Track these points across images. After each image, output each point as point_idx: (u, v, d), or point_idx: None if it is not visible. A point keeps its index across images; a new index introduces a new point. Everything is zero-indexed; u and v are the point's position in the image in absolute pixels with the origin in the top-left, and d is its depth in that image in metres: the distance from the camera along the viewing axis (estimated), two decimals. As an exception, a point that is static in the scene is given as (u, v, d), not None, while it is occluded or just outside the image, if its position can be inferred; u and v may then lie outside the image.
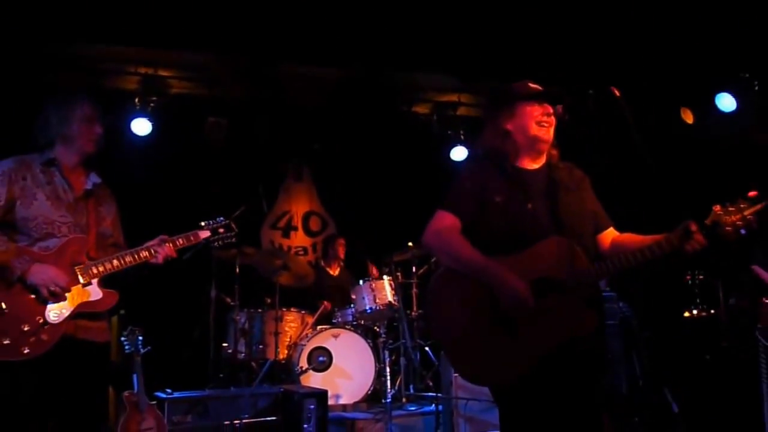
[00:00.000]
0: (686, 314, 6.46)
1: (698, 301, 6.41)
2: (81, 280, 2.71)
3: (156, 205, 5.93)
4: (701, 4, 4.89)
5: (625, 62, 5.31)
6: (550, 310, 2.32)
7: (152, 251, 2.87)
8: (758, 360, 3.19)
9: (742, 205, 2.24)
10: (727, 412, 4.96)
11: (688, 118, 6.31)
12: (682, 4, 4.89)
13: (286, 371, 5.58)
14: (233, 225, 3.17)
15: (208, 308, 5.52)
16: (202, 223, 3.09)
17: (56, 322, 2.62)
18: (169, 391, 4.49)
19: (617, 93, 2.15)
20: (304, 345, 5.43)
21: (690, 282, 6.28)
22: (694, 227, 2.25)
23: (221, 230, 3.12)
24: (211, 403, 4.50)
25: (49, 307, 2.63)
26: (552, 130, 2.52)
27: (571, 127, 2.36)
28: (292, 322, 5.75)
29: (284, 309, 5.71)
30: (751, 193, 2.25)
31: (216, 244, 3.13)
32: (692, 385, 5.32)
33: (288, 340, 5.68)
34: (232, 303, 5.65)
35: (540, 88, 2.55)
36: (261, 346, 5.62)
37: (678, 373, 5.21)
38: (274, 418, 4.38)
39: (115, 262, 2.79)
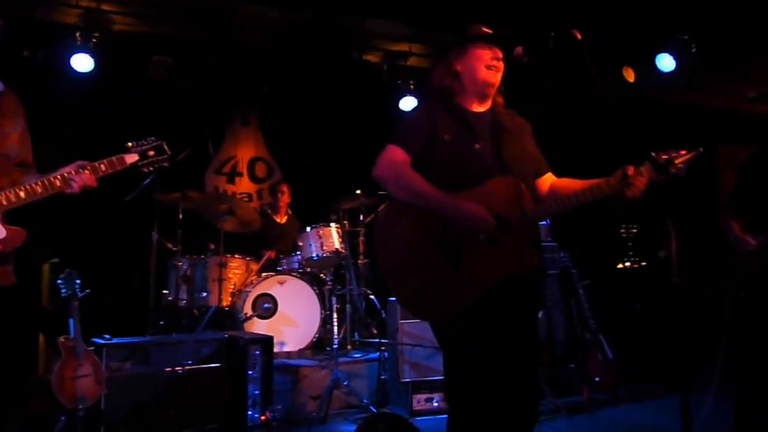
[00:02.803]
0: (620, 265, 6.73)
1: (631, 253, 6.67)
2: None
3: (98, 144, 5.67)
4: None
5: (570, 17, 5.33)
6: (495, 246, 2.38)
7: (67, 180, 2.47)
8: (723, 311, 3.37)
9: (673, 154, 2.34)
10: (657, 358, 5.24)
11: (630, 76, 6.44)
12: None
13: (230, 319, 5.52)
14: (165, 146, 2.75)
15: (149, 254, 5.37)
16: (130, 144, 2.68)
17: None
18: (107, 336, 4.37)
19: (578, 36, 2.15)
20: (249, 292, 5.37)
21: (625, 235, 6.52)
22: (632, 171, 2.33)
23: (151, 153, 2.71)
24: (152, 349, 4.40)
25: None
26: (500, 75, 2.56)
27: (531, 69, 2.37)
28: (236, 269, 5.65)
29: (228, 255, 5.59)
30: (682, 151, 2.35)
31: (146, 169, 2.72)
32: (625, 332, 5.58)
33: (232, 287, 5.58)
34: (174, 248, 5.50)
35: (490, 31, 2.57)
36: (204, 294, 5.51)
37: (612, 320, 5.43)
38: (218, 364, 4.32)
39: (22, 193, 2.39)
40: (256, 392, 4.24)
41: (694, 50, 5.93)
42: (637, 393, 5.09)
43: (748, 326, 3.33)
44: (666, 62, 6.12)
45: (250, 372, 4.23)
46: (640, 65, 6.29)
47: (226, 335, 4.53)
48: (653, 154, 2.34)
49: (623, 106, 6.23)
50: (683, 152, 2.34)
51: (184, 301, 5.47)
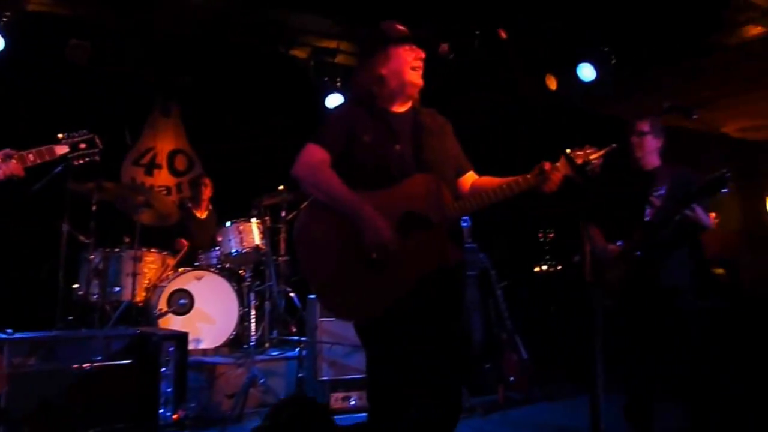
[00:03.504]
0: (536, 269, 6.94)
1: (548, 257, 6.89)
2: None
3: (8, 129, 5.37)
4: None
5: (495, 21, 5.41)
6: (415, 244, 2.40)
7: None
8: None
9: (588, 150, 2.43)
10: (569, 357, 5.41)
11: (552, 84, 6.61)
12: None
13: (144, 315, 5.33)
14: (97, 140, 2.80)
15: (59, 245, 5.11)
16: (60, 136, 2.70)
17: None
18: (9, 331, 4.14)
19: (503, 35, 2.19)
20: (165, 287, 5.20)
21: (542, 239, 6.72)
22: (548, 166, 2.41)
23: (82, 145, 2.74)
24: (58, 344, 4.19)
25: None
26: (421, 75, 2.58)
27: (456, 66, 2.42)
28: (152, 263, 5.46)
29: (144, 249, 5.39)
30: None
31: (76, 162, 2.77)
32: (540, 333, 5.75)
33: (147, 282, 5.39)
34: (86, 241, 5.25)
35: (407, 31, 2.59)
36: (117, 288, 5.29)
37: (528, 322, 5.58)
38: (129, 361, 4.17)
39: None
40: (169, 390, 4.12)
41: (614, 61, 6.15)
42: (550, 393, 5.24)
43: (618, 332, 3.46)
44: (587, 72, 6.31)
45: (163, 369, 4.11)
46: (562, 74, 6.47)
47: (138, 331, 4.38)
48: (569, 150, 2.42)
49: (546, 112, 6.41)
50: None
51: (96, 296, 5.25)
